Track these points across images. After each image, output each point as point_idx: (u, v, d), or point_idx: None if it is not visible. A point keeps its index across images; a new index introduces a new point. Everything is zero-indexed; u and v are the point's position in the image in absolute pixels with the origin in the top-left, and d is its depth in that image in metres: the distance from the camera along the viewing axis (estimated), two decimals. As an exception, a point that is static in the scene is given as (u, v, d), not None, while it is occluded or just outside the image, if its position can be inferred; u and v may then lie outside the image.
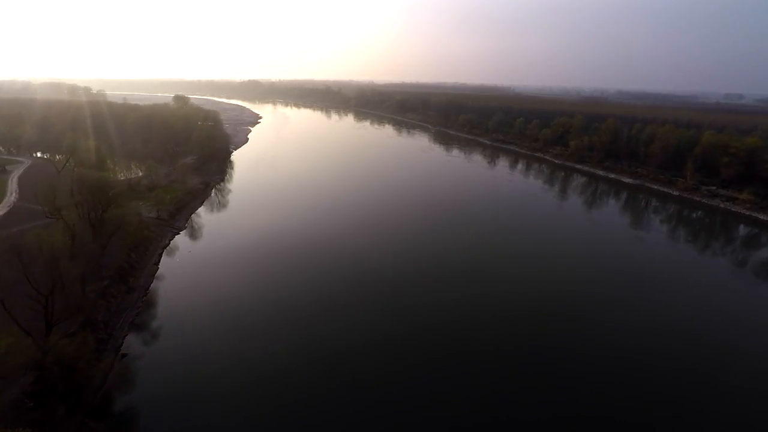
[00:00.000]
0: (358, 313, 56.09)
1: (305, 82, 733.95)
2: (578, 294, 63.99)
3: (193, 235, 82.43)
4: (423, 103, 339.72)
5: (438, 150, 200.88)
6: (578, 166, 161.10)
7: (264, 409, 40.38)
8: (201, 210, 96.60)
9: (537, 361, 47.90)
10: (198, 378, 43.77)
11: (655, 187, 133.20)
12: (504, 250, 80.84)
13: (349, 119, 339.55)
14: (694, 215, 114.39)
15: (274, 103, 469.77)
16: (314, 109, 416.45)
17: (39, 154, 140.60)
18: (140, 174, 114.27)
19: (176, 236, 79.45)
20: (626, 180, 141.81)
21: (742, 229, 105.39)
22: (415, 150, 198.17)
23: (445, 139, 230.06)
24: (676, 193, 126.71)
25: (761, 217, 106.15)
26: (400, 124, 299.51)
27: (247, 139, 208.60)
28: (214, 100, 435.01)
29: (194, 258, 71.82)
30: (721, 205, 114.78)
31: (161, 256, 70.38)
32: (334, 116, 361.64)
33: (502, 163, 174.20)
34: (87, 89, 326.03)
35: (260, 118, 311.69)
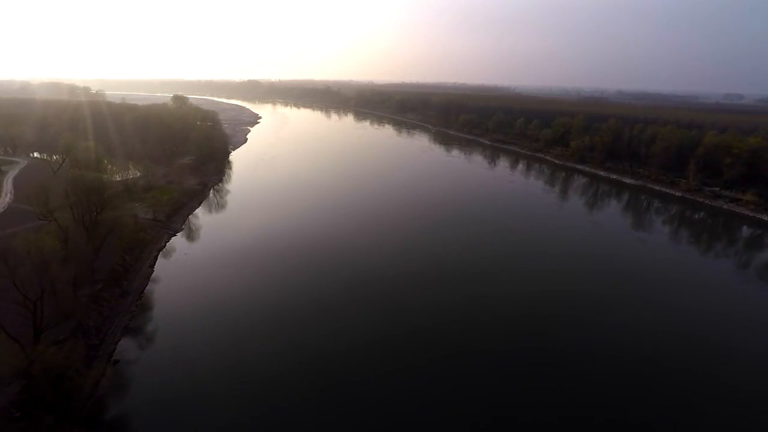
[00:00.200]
0: (358, 314, 55.61)
1: (305, 82, 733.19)
2: (579, 294, 63.58)
3: (190, 236, 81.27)
4: (423, 103, 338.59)
5: (438, 150, 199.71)
6: (579, 167, 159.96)
7: (262, 413, 39.65)
8: (198, 211, 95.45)
9: (537, 362, 47.43)
10: (193, 382, 42.92)
11: (657, 187, 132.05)
12: (504, 250, 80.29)
13: (349, 119, 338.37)
14: (697, 216, 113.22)
15: (274, 103, 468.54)
16: (314, 109, 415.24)
17: (36, 155, 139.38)
18: (138, 174, 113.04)
19: (172, 238, 78.30)
20: (628, 181, 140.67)
21: (746, 231, 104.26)
22: (414, 150, 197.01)
23: (445, 140, 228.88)
24: (678, 194, 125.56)
25: (765, 218, 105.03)
26: (399, 125, 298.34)
27: (246, 139, 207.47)
28: (214, 100, 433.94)
29: (191, 260, 70.68)
30: (725, 207, 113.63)
31: (157, 259, 69.20)
32: (334, 116, 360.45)
33: (503, 164, 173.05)
34: (86, 89, 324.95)
35: (260, 118, 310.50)
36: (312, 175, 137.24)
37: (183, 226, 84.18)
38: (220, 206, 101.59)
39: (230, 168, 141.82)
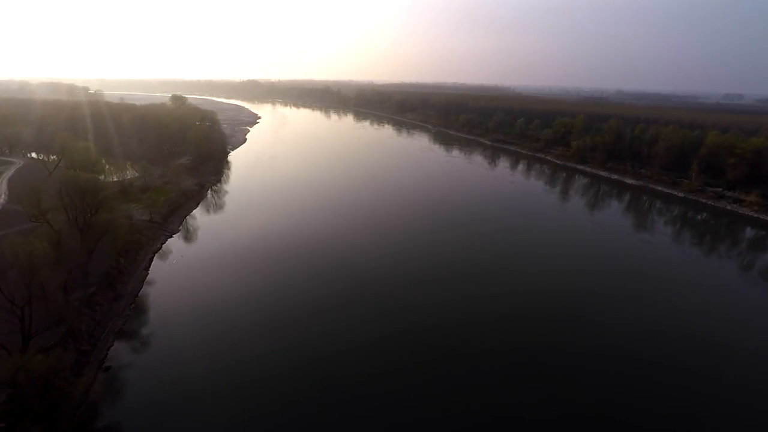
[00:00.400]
0: (357, 314, 55.18)
1: (305, 82, 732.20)
2: (580, 295, 63.35)
3: (187, 238, 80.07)
4: (423, 103, 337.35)
5: (438, 150, 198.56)
6: (580, 167, 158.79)
7: (260, 418, 38.91)
8: (196, 212, 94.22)
9: (538, 362, 47.09)
10: (189, 387, 42.06)
11: (659, 188, 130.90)
12: (505, 250, 79.78)
13: (349, 119, 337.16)
14: (699, 217, 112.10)
15: (274, 104, 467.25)
16: (313, 109, 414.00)
17: (34, 155, 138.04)
18: (135, 175, 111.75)
19: (169, 240, 77.07)
20: (629, 181, 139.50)
21: (749, 232, 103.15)
22: (414, 150, 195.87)
23: (445, 140, 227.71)
24: (680, 194, 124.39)
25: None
26: (399, 125, 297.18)
27: (245, 139, 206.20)
28: (213, 100, 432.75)
29: (187, 262, 69.50)
30: (728, 207, 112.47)
31: (152, 261, 67.97)
32: (334, 116, 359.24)
33: (503, 164, 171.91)
34: (84, 89, 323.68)
35: (259, 118, 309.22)
36: (311, 175, 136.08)
37: (180, 228, 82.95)
38: (218, 207, 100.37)
39: (228, 168, 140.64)
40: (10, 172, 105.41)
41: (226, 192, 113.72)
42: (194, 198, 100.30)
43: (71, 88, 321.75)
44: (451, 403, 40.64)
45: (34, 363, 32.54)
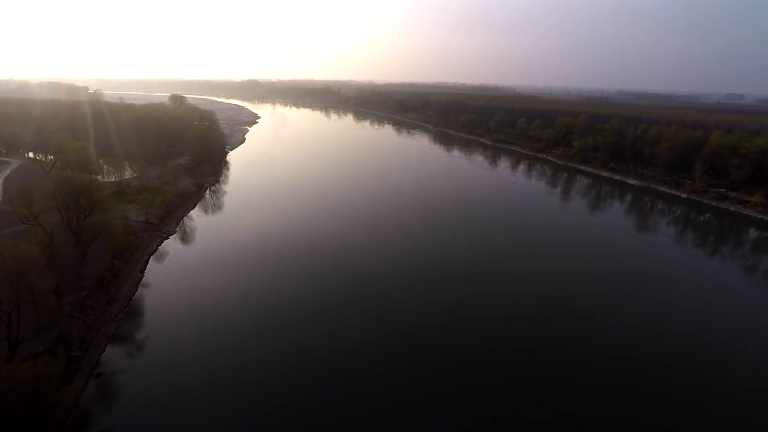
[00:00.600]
0: (357, 315, 54.71)
1: (305, 82, 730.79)
2: (581, 295, 62.96)
3: (184, 239, 78.92)
4: (423, 103, 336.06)
5: (438, 150, 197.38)
6: (582, 167, 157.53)
7: (259, 423, 38.14)
8: (193, 213, 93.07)
9: (539, 362, 46.73)
10: (184, 392, 41.14)
11: (662, 189, 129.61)
12: (506, 250, 79.35)
13: (349, 119, 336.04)
14: (702, 218, 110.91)
15: (273, 103, 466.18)
16: (313, 109, 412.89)
17: (31, 155, 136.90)
18: (134, 175, 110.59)
19: (165, 241, 75.87)
20: (632, 182, 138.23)
21: (753, 233, 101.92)
22: (415, 150, 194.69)
23: (445, 140, 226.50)
24: (684, 195, 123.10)
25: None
26: (400, 124, 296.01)
27: (245, 139, 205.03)
28: (213, 100, 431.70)
29: (183, 264, 68.37)
30: (732, 208, 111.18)
31: (147, 263, 66.75)
32: (334, 116, 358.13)
33: (504, 164, 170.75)
34: (84, 89, 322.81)
35: (258, 117, 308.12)
36: (311, 175, 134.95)
37: (176, 229, 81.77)
38: (216, 208, 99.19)
39: (227, 168, 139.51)
40: (6, 173, 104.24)
41: (224, 192, 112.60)
42: (192, 199, 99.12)
43: (71, 88, 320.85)
44: (451, 403, 40.32)
45: (20, 371, 31.37)
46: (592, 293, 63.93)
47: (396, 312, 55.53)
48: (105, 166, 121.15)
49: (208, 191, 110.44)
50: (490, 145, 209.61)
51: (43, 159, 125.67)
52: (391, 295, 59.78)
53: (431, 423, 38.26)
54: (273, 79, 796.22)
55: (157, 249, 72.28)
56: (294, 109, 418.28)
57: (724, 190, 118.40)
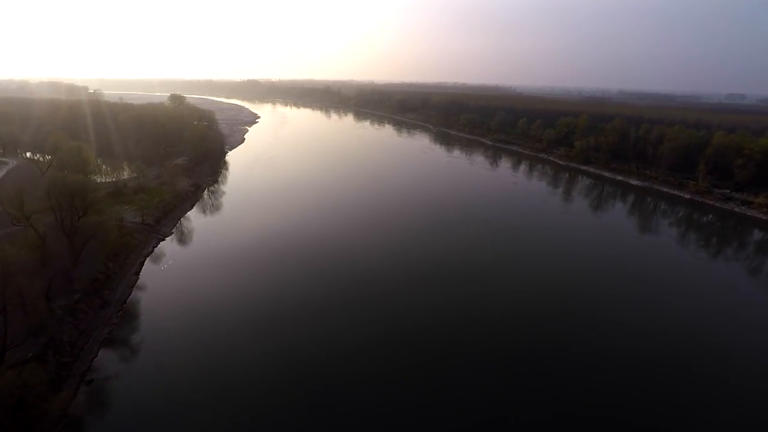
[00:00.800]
0: (357, 315, 54.12)
1: (305, 82, 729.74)
2: (583, 296, 62.39)
3: (181, 240, 77.75)
4: (423, 103, 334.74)
5: (439, 150, 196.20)
6: (584, 168, 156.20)
7: (259, 420, 37.81)
8: (190, 214, 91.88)
9: (539, 362, 46.56)
10: (179, 398, 40.07)
11: (665, 189, 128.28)
12: (506, 250, 78.79)
13: (349, 119, 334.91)
14: (706, 219, 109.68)
15: (274, 103, 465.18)
16: (314, 109, 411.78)
17: (29, 155, 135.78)
18: (133, 175, 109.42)
19: (161, 243, 74.71)
20: (634, 182, 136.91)
21: (757, 234, 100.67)
22: (415, 150, 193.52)
23: (446, 140, 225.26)
24: (687, 196, 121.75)
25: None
26: (400, 124, 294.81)
27: (244, 139, 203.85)
28: (213, 100, 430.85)
29: (180, 266, 67.18)
30: (736, 209, 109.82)
31: (143, 265, 65.58)
32: (334, 116, 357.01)
33: (505, 164, 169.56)
34: (84, 89, 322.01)
35: (258, 117, 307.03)
36: (311, 175, 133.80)
37: (173, 230, 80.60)
38: (214, 208, 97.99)
39: (226, 169, 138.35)
40: (2, 173, 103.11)
41: (222, 193, 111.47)
42: (189, 199, 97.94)
43: (70, 88, 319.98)
44: (452, 403, 40.09)
45: (5, 379, 30.24)
46: (593, 293, 63.45)
47: (396, 312, 55.08)
48: (104, 167, 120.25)
49: (206, 192, 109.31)
50: (490, 145, 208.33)
51: (41, 159, 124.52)
52: (392, 295, 59.30)
53: (431, 423, 37.99)
54: (273, 79, 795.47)
55: (153, 251, 71.12)
56: (294, 109, 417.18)
57: (728, 190, 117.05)
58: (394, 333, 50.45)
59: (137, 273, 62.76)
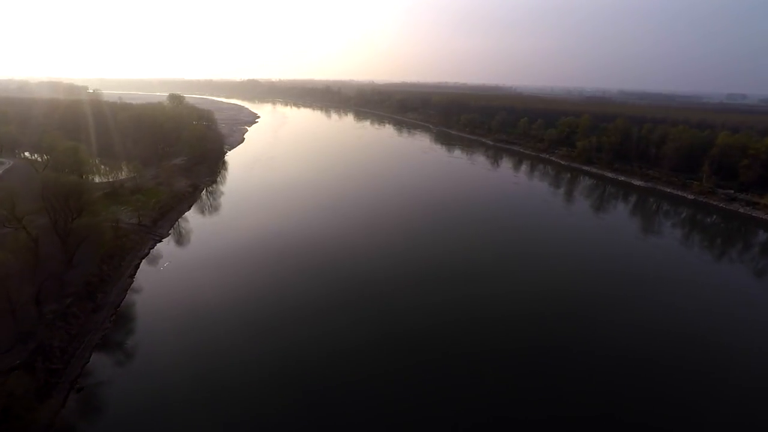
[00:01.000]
0: (357, 315, 53.51)
1: (305, 82, 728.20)
2: (585, 296, 61.92)
3: (178, 242, 76.48)
4: (424, 103, 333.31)
5: (439, 150, 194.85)
6: (586, 168, 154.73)
7: (259, 421, 37.29)
8: (188, 214, 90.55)
9: (540, 362, 46.20)
10: (174, 400, 39.32)
11: (668, 190, 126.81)
12: (507, 250, 78.22)
13: (349, 119, 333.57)
14: (710, 220, 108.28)
15: (274, 103, 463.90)
16: (314, 109, 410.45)
17: (27, 154, 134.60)
18: (132, 175, 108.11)
19: (158, 244, 73.38)
20: (637, 182, 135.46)
21: (763, 235, 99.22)
22: (415, 150, 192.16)
23: (446, 140, 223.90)
24: (690, 196, 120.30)
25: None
26: (400, 124, 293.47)
27: (243, 139, 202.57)
28: (213, 100, 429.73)
29: (176, 267, 65.92)
30: (741, 210, 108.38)
31: (138, 267, 64.27)
32: (334, 116, 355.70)
33: (506, 165, 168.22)
34: (84, 88, 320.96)
35: (258, 117, 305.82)
36: (311, 175, 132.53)
37: (170, 231, 79.32)
38: (212, 209, 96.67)
39: (225, 169, 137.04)
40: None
41: (221, 193, 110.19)
42: (187, 200, 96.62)
43: (70, 88, 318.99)
44: (452, 403, 39.83)
45: (-12, 390, 28.90)
46: (595, 294, 62.92)
47: (396, 312, 54.61)
48: (102, 167, 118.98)
49: (204, 192, 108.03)
50: (491, 145, 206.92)
51: (40, 159, 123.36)
52: (392, 295, 58.78)
53: (432, 423, 37.72)
54: (273, 79, 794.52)
55: (149, 252, 69.82)
56: (294, 108, 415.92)
57: (732, 191, 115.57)
58: (394, 333, 50.16)
59: (132, 275, 61.47)
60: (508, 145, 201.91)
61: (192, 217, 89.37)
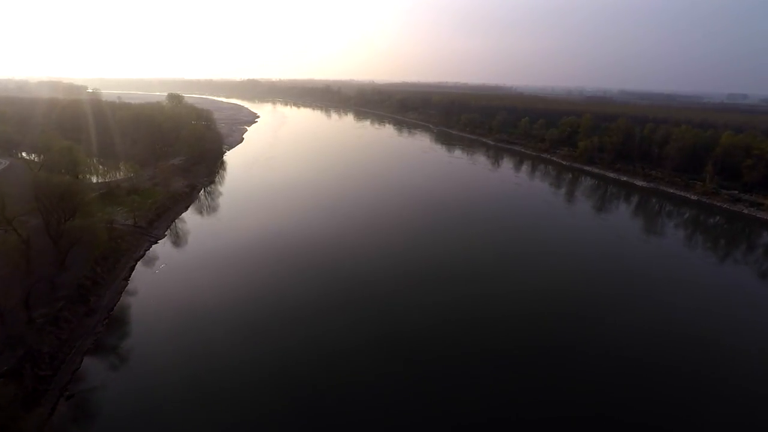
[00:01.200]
0: (358, 315, 53.02)
1: (305, 82, 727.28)
2: (586, 297, 61.49)
3: (174, 243, 75.32)
4: (424, 103, 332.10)
5: (440, 150, 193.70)
6: (587, 168, 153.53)
7: (259, 421, 36.81)
8: (185, 215, 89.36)
9: (540, 362, 45.96)
10: (169, 404, 38.41)
11: (671, 190, 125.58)
12: (508, 250, 77.64)
13: (349, 119, 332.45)
14: (714, 221, 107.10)
15: (273, 103, 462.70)
16: (314, 109, 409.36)
17: (24, 154, 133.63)
18: (130, 176, 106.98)
19: (154, 246, 72.23)
20: (639, 183, 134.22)
21: (766, 237, 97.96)
22: (416, 150, 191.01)
23: (447, 139, 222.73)
24: (694, 197, 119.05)
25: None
26: (400, 124, 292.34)
27: (243, 138, 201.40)
28: (213, 99, 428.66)
29: (172, 269, 64.76)
30: (745, 211, 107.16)
31: (133, 270, 63.09)
32: (334, 116, 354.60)
33: (507, 165, 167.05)
34: (83, 88, 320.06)
35: (258, 117, 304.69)
36: (310, 175, 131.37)
37: (166, 233, 78.14)
38: (209, 210, 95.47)
39: (223, 169, 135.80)
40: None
41: (219, 194, 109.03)
42: (184, 200, 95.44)
43: (69, 87, 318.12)
44: (452, 403, 39.57)
45: (-30, 400, 27.74)
46: (596, 294, 62.37)
47: (396, 312, 54.08)
48: (100, 167, 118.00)
49: (202, 192, 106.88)
50: (492, 145, 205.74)
51: (37, 159, 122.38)
52: (392, 296, 58.23)
53: (432, 423, 37.45)
54: (273, 79, 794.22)
55: (144, 254, 68.65)
56: (294, 108, 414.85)
57: (736, 192, 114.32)
58: (394, 333, 49.91)
59: (127, 278, 60.28)
60: (509, 145, 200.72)
61: (189, 218, 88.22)
